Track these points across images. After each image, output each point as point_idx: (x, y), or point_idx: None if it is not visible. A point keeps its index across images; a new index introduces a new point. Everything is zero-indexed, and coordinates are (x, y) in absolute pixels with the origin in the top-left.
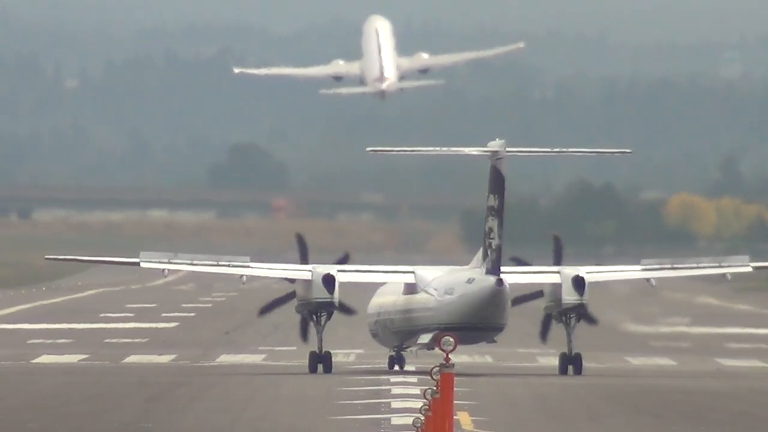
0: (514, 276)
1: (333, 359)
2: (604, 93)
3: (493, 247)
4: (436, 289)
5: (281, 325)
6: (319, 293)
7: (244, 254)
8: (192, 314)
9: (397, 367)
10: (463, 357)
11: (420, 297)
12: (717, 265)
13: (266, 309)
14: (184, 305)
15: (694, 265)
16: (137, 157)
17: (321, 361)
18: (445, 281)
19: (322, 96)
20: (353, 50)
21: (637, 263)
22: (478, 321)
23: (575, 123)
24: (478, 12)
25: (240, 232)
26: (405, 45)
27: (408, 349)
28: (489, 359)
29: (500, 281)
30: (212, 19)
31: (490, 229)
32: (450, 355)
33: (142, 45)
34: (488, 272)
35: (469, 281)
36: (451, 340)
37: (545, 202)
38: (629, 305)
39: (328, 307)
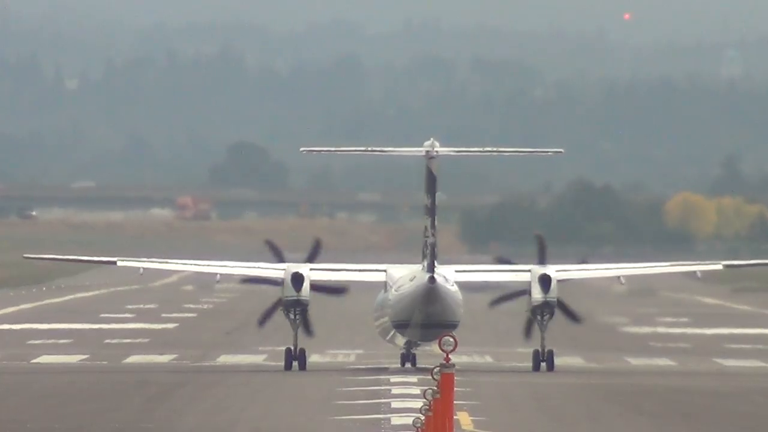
0: (485, 275)
1: (334, 359)
2: (604, 93)
3: (428, 245)
4: (393, 288)
5: (281, 325)
6: (289, 291)
7: (243, 253)
8: (193, 315)
9: (408, 365)
10: (463, 357)
11: (387, 296)
12: (688, 262)
13: (263, 319)
14: (184, 306)
15: (666, 263)
16: (137, 156)
17: (296, 358)
18: (399, 280)
19: (322, 96)
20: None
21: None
22: (422, 318)
23: (575, 123)
24: (478, 12)
25: (240, 232)
26: (405, 44)
27: (416, 347)
28: (489, 359)
29: (432, 279)
30: (212, 19)
31: (425, 228)
32: (450, 355)
33: (142, 45)
34: (425, 270)
35: (411, 280)
36: (451, 340)
37: (544, 201)
38: (629, 305)
39: (297, 305)
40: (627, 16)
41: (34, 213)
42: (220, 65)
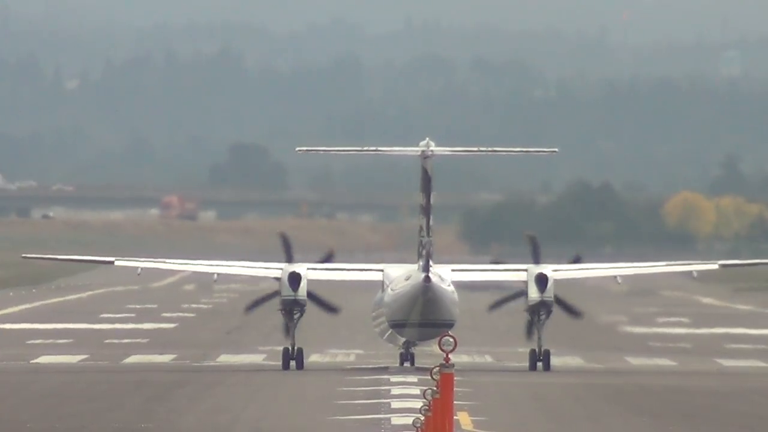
0: (481, 274)
1: (334, 359)
2: (604, 93)
3: (423, 244)
4: (389, 288)
5: (281, 325)
6: (286, 291)
7: (243, 253)
8: (192, 315)
9: (407, 364)
10: (463, 357)
11: (383, 295)
12: (683, 262)
13: (253, 306)
14: (184, 306)
15: (662, 262)
16: (137, 156)
17: (293, 357)
18: (395, 280)
19: (322, 96)
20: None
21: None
22: (417, 318)
23: (575, 122)
24: (478, 12)
25: (240, 232)
26: (405, 44)
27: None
28: (489, 359)
29: (427, 278)
30: (212, 19)
31: (420, 228)
32: (450, 355)
33: (142, 45)
34: (420, 270)
35: (407, 279)
36: (451, 340)
37: (544, 201)
38: (629, 305)
39: (294, 305)
40: (625, 16)
41: (51, 214)
42: (220, 65)
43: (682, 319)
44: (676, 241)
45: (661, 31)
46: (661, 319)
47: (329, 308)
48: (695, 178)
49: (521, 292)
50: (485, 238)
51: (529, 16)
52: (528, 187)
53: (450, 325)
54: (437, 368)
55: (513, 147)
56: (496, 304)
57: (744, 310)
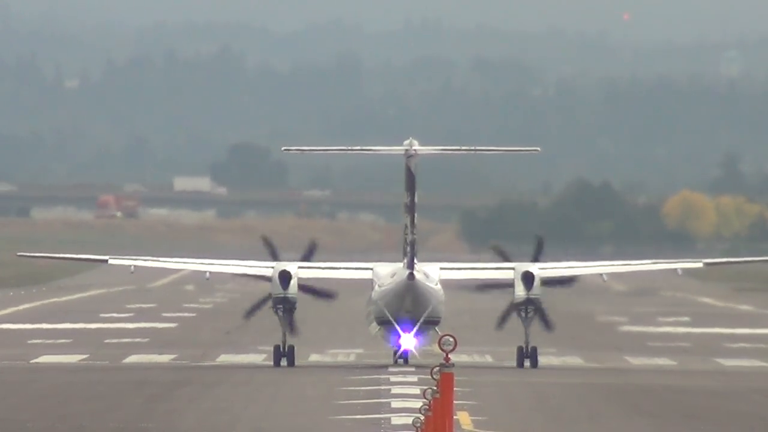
0: (469, 272)
1: (334, 359)
2: (605, 92)
3: (408, 242)
4: (377, 285)
5: (279, 323)
6: (276, 289)
7: (243, 253)
8: (192, 314)
9: (401, 361)
10: (462, 357)
11: (372, 292)
12: (670, 260)
13: (251, 311)
14: (184, 305)
15: (647, 261)
16: (137, 156)
17: (284, 355)
18: (383, 278)
19: (322, 96)
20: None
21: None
22: (403, 315)
23: (575, 122)
24: (478, 12)
25: (240, 231)
26: (405, 44)
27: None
28: (489, 359)
29: (411, 275)
30: (212, 19)
31: (405, 226)
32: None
33: (142, 45)
34: (406, 267)
35: (392, 276)
36: (451, 339)
37: (544, 201)
38: (628, 305)
39: (285, 303)
40: (626, 16)
41: (118, 214)
42: (220, 65)
43: (682, 319)
44: (676, 241)
45: (661, 31)
46: (661, 319)
47: (325, 295)
48: (695, 178)
49: (510, 281)
50: (485, 237)
51: (529, 16)
52: (528, 187)
53: (435, 323)
54: (437, 368)
55: (514, 147)
56: (484, 287)
57: (744, 310)
